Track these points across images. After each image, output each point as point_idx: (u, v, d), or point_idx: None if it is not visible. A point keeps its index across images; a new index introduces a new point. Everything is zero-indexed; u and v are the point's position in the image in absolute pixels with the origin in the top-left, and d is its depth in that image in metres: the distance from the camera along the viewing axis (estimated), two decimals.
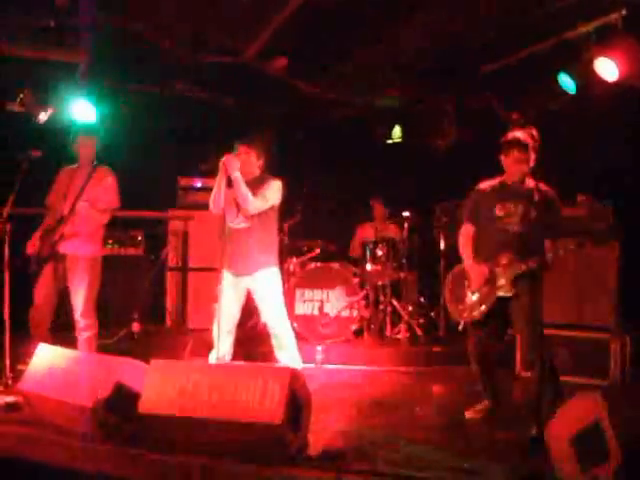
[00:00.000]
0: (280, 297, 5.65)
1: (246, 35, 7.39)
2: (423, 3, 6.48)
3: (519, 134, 4.92)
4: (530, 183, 4.95)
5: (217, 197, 5.50)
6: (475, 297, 4.94)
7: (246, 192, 5.39)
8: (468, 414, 5.17)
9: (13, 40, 6.55)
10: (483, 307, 4.90)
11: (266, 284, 5.58)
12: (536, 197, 4.87)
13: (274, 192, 5.58)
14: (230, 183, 5.38)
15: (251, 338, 7.27)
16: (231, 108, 9.26)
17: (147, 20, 6.98)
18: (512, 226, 4.88)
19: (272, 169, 5.86)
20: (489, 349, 5.10)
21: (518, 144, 4.87)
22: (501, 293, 4.84)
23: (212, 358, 5.49)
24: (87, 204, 5.84)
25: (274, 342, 5.63)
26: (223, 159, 5.38)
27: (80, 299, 5.84)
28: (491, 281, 4.86)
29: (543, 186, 4.93)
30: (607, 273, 6.38)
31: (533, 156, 4.91)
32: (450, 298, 5.18)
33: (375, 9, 6.55)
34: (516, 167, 4.91)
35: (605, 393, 3.90)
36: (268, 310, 5.59)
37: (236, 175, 5.36)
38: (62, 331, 6.06)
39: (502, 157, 4.98)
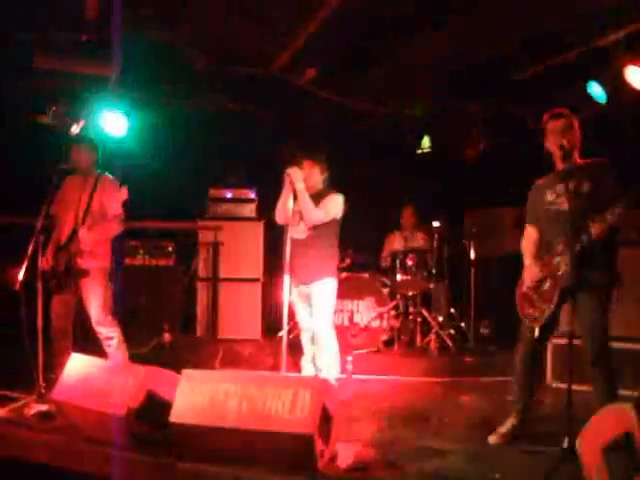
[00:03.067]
0: (330, 308, 5.74)
1: (275, 47, 7.43)
2: (453, 12, 6.48)
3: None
4: (581, 161, 4.76)
5: (282, 209, 5.64)
6: (540, 297, 4.72)
7: (309, 203, 5.56)
8: (492, 439, 4.81)
9: (45, 53, 6.64)
10: (550, 306, 4.62)
11: (320, 293, 5.67)
12: (589, 170, 4.67)
13: (335, 205, 5.71)
14: (295, 195, 5.53)
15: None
16: (261, 120, 9.30)
17: (177, 32, 7.04)
18: (562, 205, 4.61)
19: None
20: (539, 349, 4.94)
21: (552, 115, 4.75)
22: (564, 283, 4.54)
23: (303, 364, 5.77)
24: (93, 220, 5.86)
25: (315, 351, 5.72)
26: (288, 171, 5.52)
27: (96, 310, 5.87)
28: (553, 273, 4.64)
29: (596, 160, 4.69)
30: None
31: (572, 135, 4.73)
32: (522, 305, 4.89)
33: (404, 19, 6.56)
34: (553, 138, 4.72)
35: None
36: (315, 318, 5.67)
37: (300, 187, 5.52)
38: (88, 340, 6.13)
39: (544, 141, 4.80)
